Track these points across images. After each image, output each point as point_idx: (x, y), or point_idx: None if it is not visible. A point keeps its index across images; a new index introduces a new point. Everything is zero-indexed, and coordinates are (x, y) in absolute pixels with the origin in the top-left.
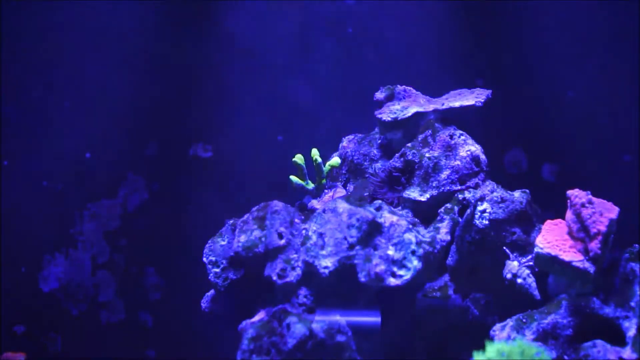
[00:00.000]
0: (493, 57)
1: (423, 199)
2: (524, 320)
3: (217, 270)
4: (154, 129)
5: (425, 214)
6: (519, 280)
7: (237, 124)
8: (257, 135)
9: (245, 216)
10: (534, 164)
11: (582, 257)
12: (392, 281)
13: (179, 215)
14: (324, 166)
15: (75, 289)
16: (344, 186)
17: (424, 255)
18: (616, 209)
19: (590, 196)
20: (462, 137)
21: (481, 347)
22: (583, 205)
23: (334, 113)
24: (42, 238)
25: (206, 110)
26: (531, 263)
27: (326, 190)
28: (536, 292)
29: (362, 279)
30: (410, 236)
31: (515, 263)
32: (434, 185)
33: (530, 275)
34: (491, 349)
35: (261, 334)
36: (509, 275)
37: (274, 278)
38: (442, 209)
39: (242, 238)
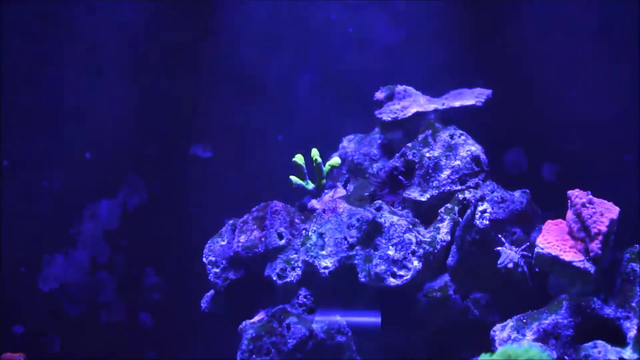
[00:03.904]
0: (493, 57)
1: (423, 199)
2: (525, 320)
3: (217, 270)
4: (154, 129)
5: (425, 214)
6: (520, 270)
7: (237, 124)
8: (257, 135)
9: (245, 216)
10: (534, 164)
11: (582, 257)
12: (393, 281)
13: (179, 215)
14: (324, 166)
15: (74, 289)
16: (344, 186)
17: (424, 255)
18: (616, 209)
19: (590, 196)
20: (463, 137)
21: (481, 347)
22: (583, 205)
23: (334, 113)
24: (42, 238)
25: (206, 110)
26: (530, 256)
27: (326, 190)
28: (529, 280)
29: (363, 279)
30: (410, 236)
31: (514, 252)
32: (434, 185)
33: (525, 262)
34: (498, 352)
35: (261, 334)
36: (510, 265)
37: (274, 278)
38: (442, 209)
39: (242, 238)
